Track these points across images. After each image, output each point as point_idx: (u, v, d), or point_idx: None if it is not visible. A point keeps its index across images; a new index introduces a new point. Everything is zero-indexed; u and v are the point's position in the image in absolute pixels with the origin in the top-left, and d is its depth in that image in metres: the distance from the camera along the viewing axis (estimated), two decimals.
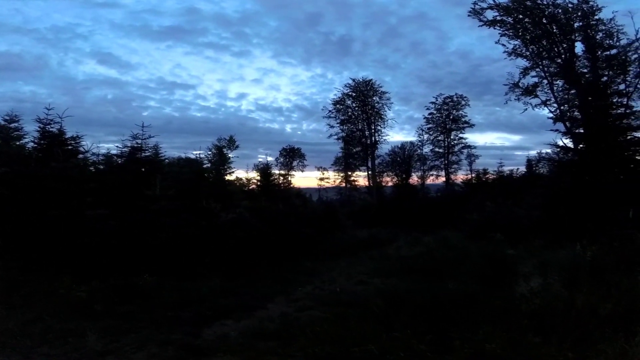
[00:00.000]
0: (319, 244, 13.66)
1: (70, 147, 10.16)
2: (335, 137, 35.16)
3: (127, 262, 7.94)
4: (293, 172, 36.94)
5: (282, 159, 37.73)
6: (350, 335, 4.69)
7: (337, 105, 35.24)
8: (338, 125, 35.16)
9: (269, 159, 25.26)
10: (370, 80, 34.98)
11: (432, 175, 34.96)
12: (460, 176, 32.94)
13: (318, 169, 37.14)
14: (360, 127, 35.31)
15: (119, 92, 62.45)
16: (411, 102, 65.10)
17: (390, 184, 34.63)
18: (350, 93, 35.00)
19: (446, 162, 34.42)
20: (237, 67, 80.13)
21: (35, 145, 10.02)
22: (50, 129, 9.93)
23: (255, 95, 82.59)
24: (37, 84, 58.09)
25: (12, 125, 10.99)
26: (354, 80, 35.21)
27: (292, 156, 38.09)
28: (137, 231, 8.86)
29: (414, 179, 34.51)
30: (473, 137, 49.70)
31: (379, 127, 35.00)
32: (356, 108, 35.31)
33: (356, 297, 7.04)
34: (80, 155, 10.73)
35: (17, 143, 10.78)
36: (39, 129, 9.92)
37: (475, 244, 11.09)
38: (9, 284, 6.55)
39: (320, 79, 67.65)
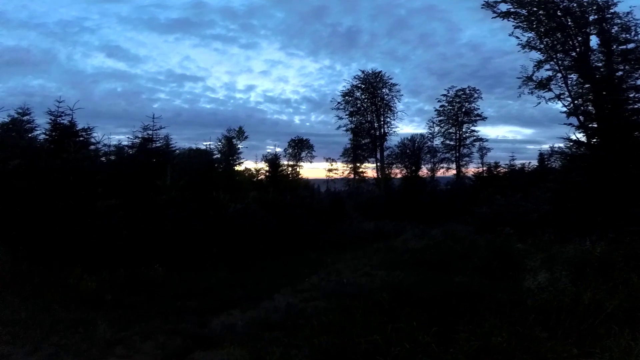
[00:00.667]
0: (324, 236, 13.71)
1: (81, 139, 10.28)
2: (344, 128, 35.01)
3: (137, 253, 8.06)
4: (301, 163, 36.96)
5: (290, 150, 37.75)
6: (355, 327, 4.71)
7: (346, 97, 35.03)
8: (347, 117, 35.00)
9: (278, 149, 25.37)
10: (380, 72, 34.68)
11: (442, 167, 34.79)
12: (471, 169, 32.70)
13: (326, 160, 37.02)
14: (369, 118, 35.11)
15: (129, 85, 62.78)
16: (421, 94, 64.35)
17: (399, 175, 34.45)
18: (359, 85, 34.77)
19: (457, 154, 34.18)
20: (244, 59, 79.95)
21: (47, 137, 10.16)
22: (62, 121, 10.03)
23: (263, 87, 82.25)
24: (46, 77, 58.67)
25: (25, 118, 11.17)
26: (363, 72, 34.95)
27: (300, 147, 38.07)
28: (147, 222, 8.98)
29: (424, 171, 34.30)
30: (485, 130, 49.06)
31: (388, 119, 34.82)
32: (365, 100, 35.08)
33: (361, 289, 7.06)
34: (92, 147, 10.86)
35: (29, 135, 10.95)
36: (50, 121, 10.03)
37: (484, 237, 11.04)
38: (20, 275, 6.67)
39: (328, 70, 67.21)
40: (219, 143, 21.69)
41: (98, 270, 7.05)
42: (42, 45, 60.59)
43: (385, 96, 34.70)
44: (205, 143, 16.82)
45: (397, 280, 7.47)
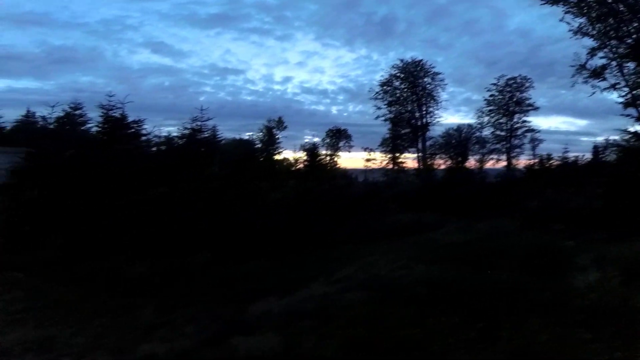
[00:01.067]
0: (361, 226, 13.66)
1: (132, 130, 10.89)
2: (383, 118, 34.37)
3: (184, 241, 8.43)
4: (339, 153, 36.86)
5: (328, 140, 37.72)
6: (392, 319, 4.69)
7: (384, 87, 34.35)
8: (385, 106, 34.35)
9: (316, 139, 25.41)
10: (420, 60, 33.71)
11: (492, 159, 33.58)
12: (522, 161, 31.38)
13: (364, 150, 36.47)
14: (409, 108, 34.30)
15: (175, 79, 65.62)
16: (468, 84, 62.17)
17: (442, 166, 33.46)
18: (398, 74, 33.99)
19: (508, 145, 32.86)
20: (280, 50, 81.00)
21: (100, 129, 10.83)
22: (113, 114, 10.65)
23: (300, 79, 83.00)
24: (94, 74, 62.42)
25: (77, 112, 12.00)
26: (401, 60, 34.09)
27: (338, 137, 37.98)
28: (194, 210, 9.35)
29: (472, 162, 33.15)
30: (537, 121, 46.10)
31: (431, 109, 33.88)
32: (405, 89, 34.26)
33: (398, 282, 6.99)
34: (143, 138, 11.49)
35: (82, 128, 11.76)
36: (102, 114, 10.68)
37: (532, 233, 10.56)
38: (71, 261, 7.14)
39: (365, 60, 66.65)
40: (260, 133, 22.19)
41: (145, 258, 7.44)
42: (87, 44, 64.53)
43: (428, 85, 33.75)
44: (247, 133, 17.35)
45: (435, 275, 7.32)
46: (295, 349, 4.27)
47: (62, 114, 11.78)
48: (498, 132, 33.34)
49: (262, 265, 8.03)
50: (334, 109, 62.91)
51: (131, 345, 4.40)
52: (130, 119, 10.86)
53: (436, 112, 33.92)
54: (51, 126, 11.13)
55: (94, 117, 11.43)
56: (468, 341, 4.09)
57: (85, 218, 8.33)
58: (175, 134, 12.84)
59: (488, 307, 4.99)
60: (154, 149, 12.40)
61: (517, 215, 14.68)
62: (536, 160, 26.86)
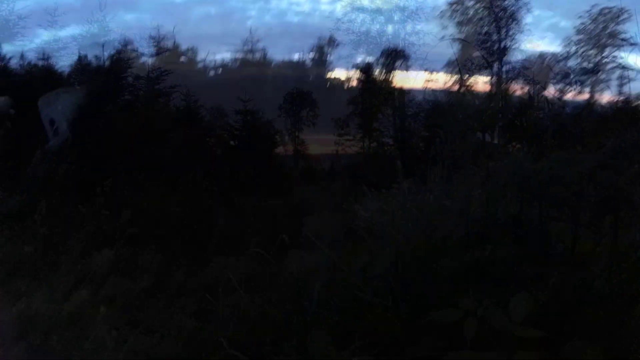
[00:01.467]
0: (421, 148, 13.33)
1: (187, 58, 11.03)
2: (450, 39, 31.29)
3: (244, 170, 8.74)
4: (396, 73, 34.75)
5: (383, 60, 35.42)
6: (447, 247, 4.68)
7: (454, 5, 30.64)
8: (454, 26, 31.03)
9: (369, 58, 23.74)
10: None
11: (573, 90, 30.42)
12: (606, 97, 28.13)
13: (425, 70, 33.95)
14: (484, 30, 30.80)
15: (220, 7, 62.54)
16: (557, 8, 52.78)
17: (518, 93, 30.77)
18: None
19: (594, 79, 29.38)
20: None
21: (153, 59, 11.04)
22: (165, 45, 10.73)
23: None
24: (137, 10, 60.77)
25: (128, 47, 12.07)
26: None
27: (394, 57, 35.48)
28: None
29: (552, 91, 30.25)
30: (630, 58, 38.89)
31: (511, 32, 30.29)
32: (479, 9, 30.45)
33: (452, 216, 6.87)
34: (198, 65, 11.66)
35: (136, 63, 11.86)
36: (154, 45, 10.86)
37: (605, 172, 9.70)
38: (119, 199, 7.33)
39: None
40: (310, 53, 21.38)
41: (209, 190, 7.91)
42: None
43: (509, 7, 29.71)
44: (296, 54, 16.74)
45: (493, 212, 7.06)
46: (345, 265, 4.47)
47: (113, 52, 11.86)
48: (585, 64, 29.70)
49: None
50: (390, 28, 57.33)
51: (205, 260, 4.94)
52: (184, 48, 10.97)
53: (517, 36, 30.33)
54: (105, 64, 11.35)
55: (146, 51, 11.48)
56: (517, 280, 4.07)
57: (150, 153, 8.65)
58: (229, 60, 13.04)
59: (542, 251, 4.84)
60: (212, 73, 12.76)
61: (593, 152, 13.51)
62: (622, 99, 24.08)
